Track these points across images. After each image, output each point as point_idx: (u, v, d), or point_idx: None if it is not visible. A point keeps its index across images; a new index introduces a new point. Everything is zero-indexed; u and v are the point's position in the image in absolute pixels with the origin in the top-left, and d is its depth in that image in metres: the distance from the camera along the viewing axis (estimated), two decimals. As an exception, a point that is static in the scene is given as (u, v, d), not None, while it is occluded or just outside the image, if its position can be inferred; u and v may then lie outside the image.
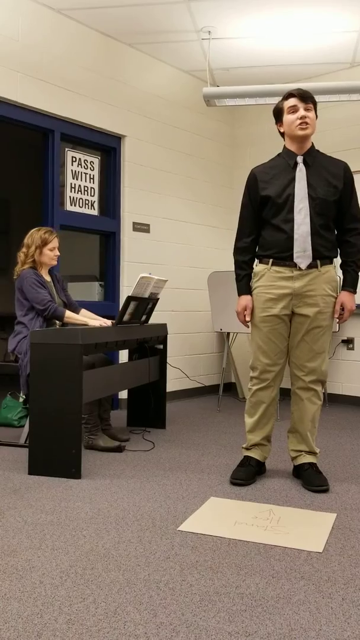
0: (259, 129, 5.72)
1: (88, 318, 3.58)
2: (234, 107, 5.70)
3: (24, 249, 3.53)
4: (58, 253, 3.57)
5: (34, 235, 3.52)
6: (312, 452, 2.90)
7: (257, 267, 2.89)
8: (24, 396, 3.47)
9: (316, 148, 2.87)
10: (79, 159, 4.67)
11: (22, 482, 2.83)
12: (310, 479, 2.79)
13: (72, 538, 2.17)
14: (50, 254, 3.52)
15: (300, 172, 2.77)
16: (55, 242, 3.54)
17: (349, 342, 5.27)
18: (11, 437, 3.80)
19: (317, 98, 4.55)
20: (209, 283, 4.88)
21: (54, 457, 2.91)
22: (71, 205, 4.61)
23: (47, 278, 3.59)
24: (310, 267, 2.77)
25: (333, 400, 5.31)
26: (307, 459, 2.88)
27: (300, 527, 2.31)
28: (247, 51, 4.92)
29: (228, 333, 5.11)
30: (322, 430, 4.11)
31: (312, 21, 4.39)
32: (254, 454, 2.94)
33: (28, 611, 1.65)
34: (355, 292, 2.88)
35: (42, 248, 3.49)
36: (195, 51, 4.97)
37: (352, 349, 5.25)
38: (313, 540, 2.17)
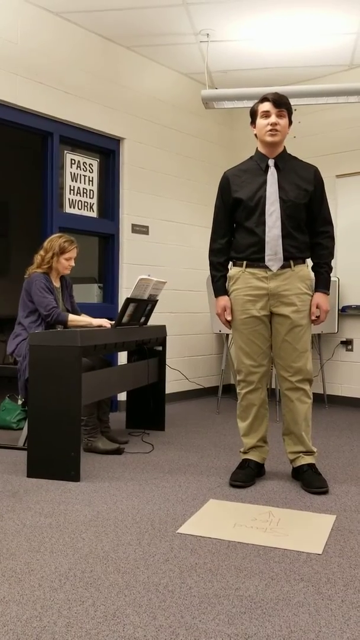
0: (258, 131, 5.72)
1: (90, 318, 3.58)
2: (232, 109, 5.70)
3: (41, 252, 3.53)
4: (73, 264, 3.57)
5: (54, 242, 3.52)
6: (309, 452, 2.90)
7: (232, 270, 2.92)
8: (22, 399, 3.46)
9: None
10: (78, 161, 4.67)
11: (21, 485, 2.83)
12: (310, 481, 2.78)
13: (71, 541, 2.17)
14: (66, 264, 3.53)
15: (272, 176, 2.80)
16: (73, 253, 3.55)
17: (347, 344, 5.27)
18: (10, 439, 3.79)
19: (316, 100, 4.57)
20: (208, 285, 4.88)
21: (53, 460, 2.91)
22: (70, 207, 4.61)
23: (57, 284, 3.59)
24: (283, 267, 2.79)
25: (332, 401, 5.30)
26: (305, 460, 2.88)
27: (300, 529, 2.31)
28: (245, 53, 4.92)
29: (227, 335, 5.10)
30: (321, 431, 4.11)
31: (310, 23, 4.40)
32: (252, 456, 2.94)
33: (27, 614, 1.65)
34: (328, 293, 2.90)
35: (60, 256, 3.50)
36: (194, 54, 4.98)
37: (351, 350, 5.25)
38: (312, 542, 2.17)
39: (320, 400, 5.17)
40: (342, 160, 5.21)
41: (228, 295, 2.92)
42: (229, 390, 5.93)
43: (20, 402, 3.85)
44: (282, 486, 2.86)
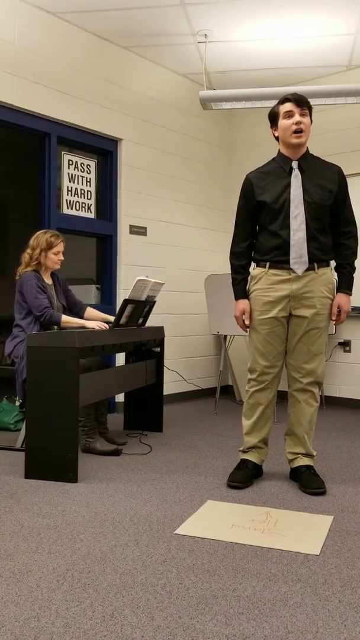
0: (256, 133, 5.74)
1: (87, 319, 3.59)
2: (230, 110, 5.72)
3: (28, 251, 3.52)
4: (62, 258, 3.56)
5: (40, 238, 3.51)
6: (309, 455, 2.91)
7: (254, 270, 2.91)
8: (20, 400, 3.47)
9: (310, 152, 2.89)
10: (76, 162, 4.68)
11: (19, 486, 2.83)
12: (307, 482, 2.79)
13: (69, 542, 2.17)
14: (54, 258, 3.52)
15: (296, 178, 2.79)
16: (60, 247, 3.54)
17: (345, 345, 5.28)
18: (7, 440, 3.80)
19: (314, 101, 4.57)
20: (206, 286, 4.89)
21: (51, 461, 2.91)
22: (68, 208, 4.61)
23: (49, 281, 3.59)
24: (307, 270, 2.78)
25: (330, 402, 5.32)
26: (304, 461, 2.89)
27: (297, 529, 2.32)
28: (243, 54, 4.93)
29: (225, 336, 5.11)
30: (319, 432, 4.12)
31: (308, 24, 4.42)
32: (251, 456, 2.95)
33: (25, 615, 1.65)
34: (350, 294, 2.90)
35: (47, 251, 3.49)
36: (192, 54, 4.99)
37: (349, 351, 5.27)
38: (310, 543, 2.18)
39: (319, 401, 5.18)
40: (341, 161, 5.21)
41: (248, 298, 2.92)
42: (227, 391, 5.94)
43: (17, 403, 3.86)
44: (279, 487, 2.87)
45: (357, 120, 5.22)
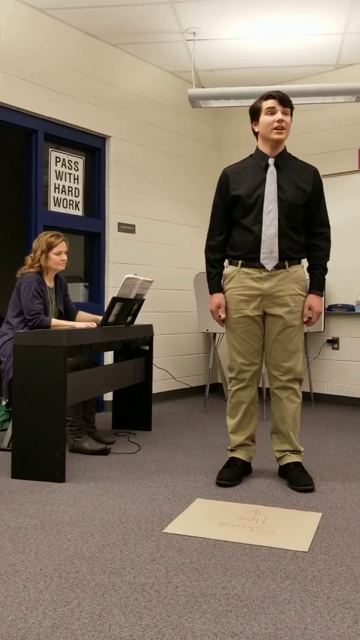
0: (244, 131, 5.72)
1: (77, 321, 3.58)
2: (219, 108, 5.72)
3: (32, 253, 3.51)
4: (65, 258, 3.54)
5: (41, 239, 3.50)
6: (296, 451, 2.92)
7: (227, 269, 2.93)
8: (6, 399, 3.44)
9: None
10: (63, 159, 4.65)
11: (6, 486, 2.81)
12: (296, 479, 2.80)
13: (57, 542, 2.16)
14: (57, 259, 3.49)
15: (271, 175, 2.81)
16: (61, 247, 3.51)
17: (334, 342, 5.30)
18: (-5, 440, 3.77)
19: (302, 100, 4.60)
20: (195, 284, 4.89)
21: (38, 461, 2.90)
22: (55, 205, 4.59)
23: (50, 284, 3.56)
24: (278, 267, 2.80)
25: (318, 399, 5.34)
26: (292, 458, 2.90)
27: (286, 527, 2.32)
28: (232, 53, 4.93)
29: (214, 334, 5.11)
30: (307, 429, 4.13)
31: (296, 23, 4.42)
32: (239, 454, 2.95)
33: (12, 615, 1.64)
34: (322, 295, 2.92)
35: (48, 252, 3.47)
36: (180, 52, 4.98)
37: (337, 348, 5.29)
38: (299, 540, 2.18)
39: (307, 398, 5.20)
40: (328, 160, 5.25)
41: (223, 293, 2.92)
42: (216, 389, 5.94)
43: (4, 402, 3.82)
44: (268, 484, 2.87)
45: (345, 120, 5.24)
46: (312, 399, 5.24)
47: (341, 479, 2.98)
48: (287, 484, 2.85)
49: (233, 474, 2.87)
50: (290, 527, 2.31)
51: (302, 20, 4.38)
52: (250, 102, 4.56)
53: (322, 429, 4.21)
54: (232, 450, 2.98)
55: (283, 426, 2.90)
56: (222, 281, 2.94)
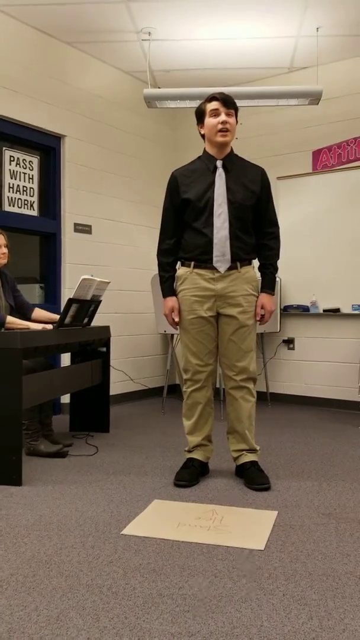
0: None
1: (34, 320, 3.54)
2: (175, 109, 5.74)
3: None
4: (5, 251, 3.50)
5: None
6: (252, 450, 2.97)
7: (180, 270, 2.95)
8: None
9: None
10: (17, 158, 4.60)
11: None
12: (252, 478, 2.85)
13: (13, 546, 2.14)
14: None
15: (220, 177, 2.85)
16: (0, 240, 3.48)
17: (289, 342, 5.40)
18: None
19: (256, 102, 4.67)
20: (153, 285, 4.90)
21: (-6, 465, 2.86)
22: (9, 205, 4.53)
23: None
24: (230, 268, 2.85)
25: (275, 399, 5.43)
26: (248, 457, 2.94)
27: (243, 526, 2.36)
28: (187, 53, 4.97)
29: (172, 335, 5.14)
30: (263, 429, 4.20)
31: (251, 25, 4.48)
32: (197, 455, 2.98)
33: (-33, 623, 1.62)
34: (273, 294, 2.98)
35: None
36: (136, 52, 4.98)
37: (293, 348, 5.39)
38: (255, 539, 2.22)
39: (263, 398, 5.28)
40: (283, 162, 5.34)
41: (176, 296, 2.94)
42: (174, 390, 5.97)
43: None
44: (225, 484, 2.91)
45: (299, 123, 5.35)
46: (268, 399, 5.32)
47: (296, 478, 3.04)
48: (244, 483, 2.89)
49: (190, 475, 2.90)
50: (246, 526, 2.35)
51: (256, 22, 4.44)
52: (206, 104, 4.61)
53: (278, 428, 4.29)
54: (189, 451, 3.01)
55: (239, 425, 2.94)
56: (175, 283, 2.96)
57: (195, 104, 4.69)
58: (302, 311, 5.24)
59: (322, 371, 5.25)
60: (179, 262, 2.97)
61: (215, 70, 5.29)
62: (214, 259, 2.82)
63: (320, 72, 4.92)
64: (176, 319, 2.94)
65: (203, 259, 2.85)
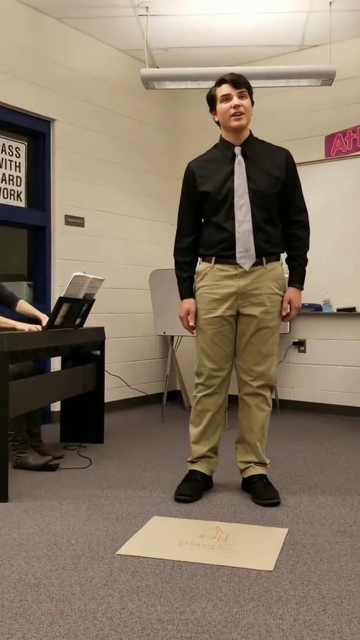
0: (203, 115, 5.74)
1: (19, 313, 3.54)
2: (175, 90, 5.74)
3: None
4: None
5: None
6: (261, 463, 2.96)
7: (200, 265, 2.94)
8: None
9: (255, 136, 2.93)
10: (3, 144, 4.60)
11: None
12: (260, 492, 2.84)
13: (-1, 568, 2.14)
14: None
15: (239, 165, 2.83)
16: None
17: (300, 345, 5.39)
18: None
19: (264, 83, 4.66)
20: (151, 282, 4.90)
21: (-22, 478, 2.85)
22: (-5, 196, 4.53)
23: None
24: (254, 264, 2.83)
25: (284, 406, 5.42)
26: (256, 470, 2.94)
27: (250, 544, 2.35)
28: (188, 30, 4.96)
29: (172, 337, 5.13)
30: (272, 439, 4.19)
31: (258, 0, 4.48)
32: (200, 467, 2.97)
33: None
34: (302, 289, 2.96)
35: None
36: (132, 29, 4.98)
37: (304, 351, 5.38)
38: (263, 558, 2.21)
39: (272, 405, 5.27)
40: (293, 148, 5.25)
41: (194, 297, 2.93)
42: (174, 397, 5.97)
43: None
44: (231, 499, 2.90)
45: (310, 105, 5.34)
46: (277, 406, 5.32)
47: (308, 492, 3.03)
48: (251, 498, 2.88)
49: (193, 489, 2.89)
50: (254, 545, 2.35)
51: (264, -3, 4.44)
52: (209, 84, 4.59)
53: (289, 438, 4.28)
54: (192, 462, 3.00)
55: (250, 435, 2.93)
56: (193, 282, 2.95)
57: (197, 84, 4.70)
58: (314, 310, 5.24)
59: (335, 376, 5.24)
60: (199, 259, 2.97)
61: (218, 49, 5.28)
62: (237, 255, 2.81)
63: (333, 50, 4.91)
64: (191, 323, 2.93)
65: (225, 255, 2.83)
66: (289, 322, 5.22)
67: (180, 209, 2.97)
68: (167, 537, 2.42)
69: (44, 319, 3.61)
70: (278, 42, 5.20)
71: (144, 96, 5.65)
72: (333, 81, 4.62)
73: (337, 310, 5.14)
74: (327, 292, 5.20)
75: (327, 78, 4.58)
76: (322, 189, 5.18)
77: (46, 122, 4.85)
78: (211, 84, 4.54)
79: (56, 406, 4.68)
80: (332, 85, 4.72)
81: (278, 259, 2.92)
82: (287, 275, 2.97)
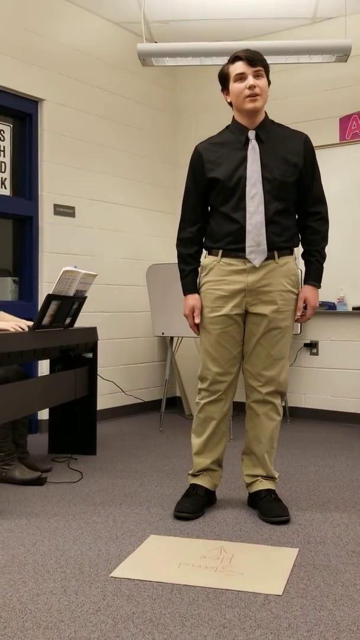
0: (206, 95, 5.78)
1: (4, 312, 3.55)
2: (175, 67, 5.74)
3: None
4: None
5: None
6: (270, 477, 2.96)
7: (205, 259, 2.94)
8: None
9: (271, 119, 2.93)
10: (-14, 127, 4.60)
11: None
12: (268, 509, 2.84)
13: (-20, 591, 2.14)
14: None
15: (253, 151, 2.82)
16: None
17: (312, 347, 5.39)
18: None
19: (273, 59, 4.65)
20: (148, 278, 4.90)
21: None
22: (-23, 183, 4.53)
23: None
24: (265, 259, 2.82)
25: (294, 414, 5.42)
26: (264, 485, 2.94)
27: (257, 566, 2.35)
28: (189, 1, 4.96)
29: (171, 338, 5.13)
30: (281, 449, 4.19)
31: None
32: (202, 481, 2.97)
33: None
34: (319, 287, 2.96)
35: None
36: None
37: (316, 354, 5.38)
38: (271, 582, 2.21)
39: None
40: (304, 131, 5.31)
41: (198, 293, 2.93)
42: (174, 404, 5.97)
43: None
44: (236, 516, 2.90)
45: (323, 83, 5.34)
46: (287, 414, 5.32)
47: (320, 509, 3.03)
48: (258, 514, 2.88)
49: (194, 505, 2.89)
50: (261, 567, 2.34)
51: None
52: (212, 60, 4.61)
53: (299, 449, 4.28)
54: (194, 476, 3.00)
55: (257, 447, 2.93)
56: (198, 276, 2.95)
57: (199, 61, 4.70)
58: (328, 309, 5.24)
59: (351, 381, 5.24)
60: (204, 252, 2.96)
61: (222, 22, 5.28)
62: (247, 249, 2.80)
63: (348, 23, 4.91)
64: (197, 320, 2.92)
65: (233, 248, 2.83)
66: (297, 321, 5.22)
67: (185, 196, 2.96)
68: (166, 558, 2.42)
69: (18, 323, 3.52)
70: (288, 14, 5.20)
71: (140, 74, 5.65)
72: (348, 57, 4.62)
73: (353, 309, 5.15)
74: (342, 289, 5.20)
75: (341, 54, 4.57)
76: (336, 175, 5.18)
77: (33, 102, 4.86)
78: (215, 60, 4.58)
79: (44, 414, 4.68)
80: (347, 62, 4.72)
81: (291, 253, 2.91)
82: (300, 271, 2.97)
